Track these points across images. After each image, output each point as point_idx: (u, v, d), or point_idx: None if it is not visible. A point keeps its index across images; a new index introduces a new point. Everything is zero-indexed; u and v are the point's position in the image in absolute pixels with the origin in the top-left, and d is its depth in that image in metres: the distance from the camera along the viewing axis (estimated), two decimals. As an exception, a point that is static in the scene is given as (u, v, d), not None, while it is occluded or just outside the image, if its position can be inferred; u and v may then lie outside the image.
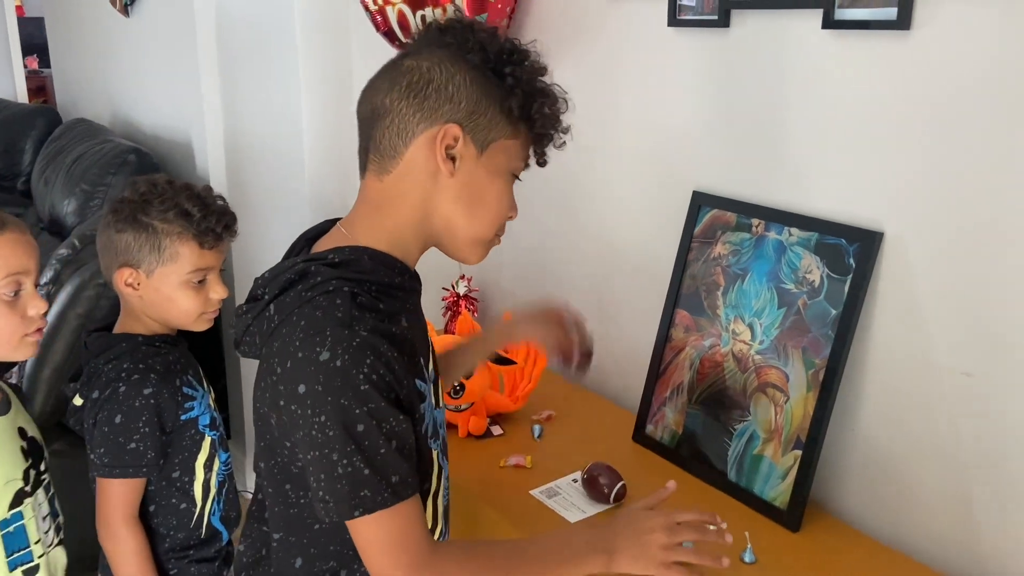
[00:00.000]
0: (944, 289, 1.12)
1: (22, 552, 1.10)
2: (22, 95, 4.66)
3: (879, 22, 1.12)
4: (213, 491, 1.26)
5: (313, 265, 0.86)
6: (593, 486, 1.26)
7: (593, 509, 1.25)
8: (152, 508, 1.20)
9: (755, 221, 1.32)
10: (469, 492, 1.28)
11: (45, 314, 1.09)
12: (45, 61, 4.89)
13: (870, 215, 1.18)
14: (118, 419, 1.13)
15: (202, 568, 1.24)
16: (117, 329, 1.21)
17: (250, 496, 1.03)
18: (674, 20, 1.41)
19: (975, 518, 1.12)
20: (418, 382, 0.90)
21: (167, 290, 1.15)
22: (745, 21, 1.31)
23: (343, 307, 0.82)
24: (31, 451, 1.13)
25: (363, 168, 0.92)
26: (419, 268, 0.96)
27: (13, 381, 1.23)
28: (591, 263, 1.69)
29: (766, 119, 1.32)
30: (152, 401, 1.15)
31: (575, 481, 1.32)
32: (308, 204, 2.50)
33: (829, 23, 1.18)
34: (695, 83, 1.41)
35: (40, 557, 1.12)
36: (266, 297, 0.87)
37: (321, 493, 0.82)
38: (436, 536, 1.00)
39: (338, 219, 0.95)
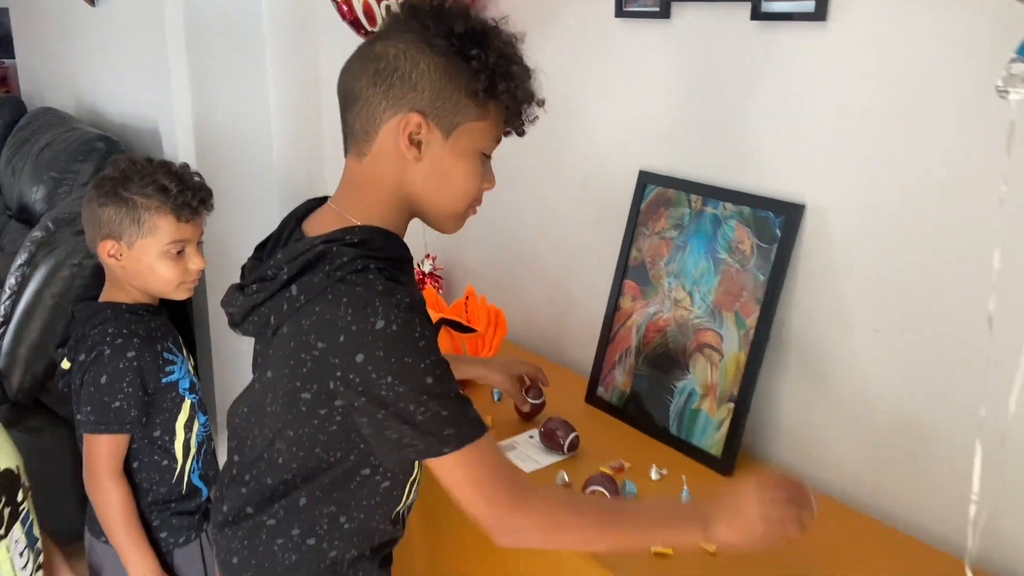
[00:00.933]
0: (857, 254, 1.24)
1: None
2: (-16, 85, 4.63)
3: (799, 14, 1.24)
4: (193, 451, 1.34)
5: (335, 246, 0.90)
6: (550, 437, 1.37)
7: (548, 460, 1.36)
8: (136, 465, 1.28)
9: (694, 197, 1.44)
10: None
11: None
12: (6, 51, 4.86)
13: (794, 189, 1.31)
14: (103, 379, 1.22)
15: (183, 520, 1.33)
16: (102, 298, 1.29)
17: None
18: (620, 11, 1.52)
19: (884, 459, 1.25)
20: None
21: (148, 260, 1.23)
22: (684, 13, 1.43)
23: (379, 281, 0.88)
24: (4, 486, 1.06)
25: (345, 148, 0.98)
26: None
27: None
28: (547, 240, 1.80)
29: (704, 104, 1.43)
30: (135, 364, 1.23)
31: (531, 437, 1.43)
32: (277, 191, 2.58)
33: (757, 15, 1.29)
34: (640, 70, 1.53)
35: None
36: (282, 277, 0.91)
37: (406, 440, 0.88)
38: (413, 491, 1.08)
39: (323, 197, 1.02)
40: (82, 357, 1.23)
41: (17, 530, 1.06)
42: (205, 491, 1.38)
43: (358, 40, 1.81)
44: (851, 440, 1.29)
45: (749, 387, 1.32)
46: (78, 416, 1.25)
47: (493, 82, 0.91)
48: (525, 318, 1.84)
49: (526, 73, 0.95)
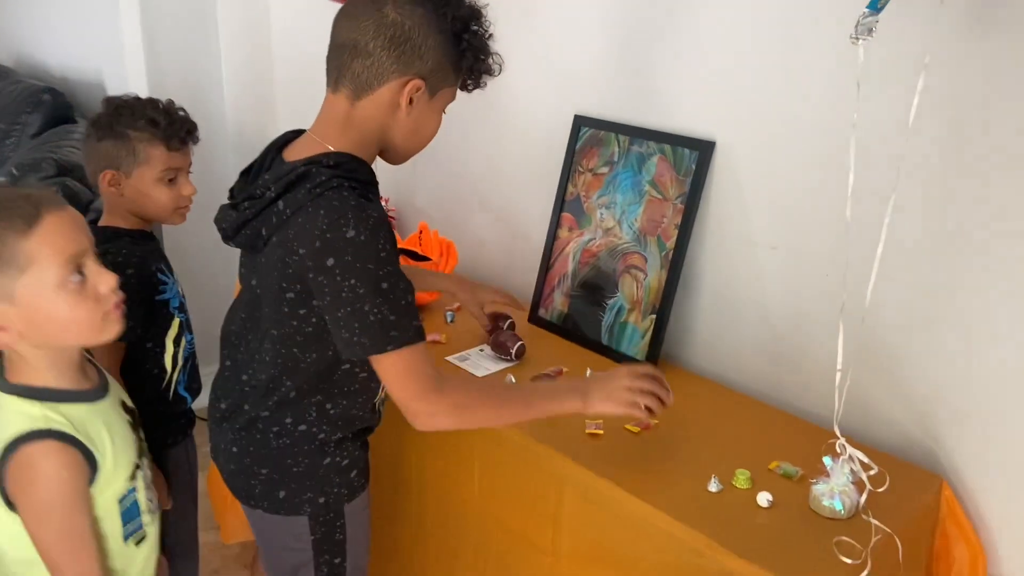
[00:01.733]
0: (758, 183, 1.48)
1: (134, 522, 1.11)
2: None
3: (710, -22, 1.45)
4: (180, 364, 1.50)
5: (314, 167, 1.06)
6: (500, 347, 1.58)
7: (497, 366, 1.57)
8: (130, 371, 1.43)
9: (622, 137, 1.65)
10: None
11: (117, 287, 1.03)
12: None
13: (706, 129, 1.53)
14: (104, 294, 1.36)
15: (172, 422, 1.49)
16: (102, 223, 1.42)
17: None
18: (558, -27, 1.70)
19: (779, 355, 1.50)
20: None
21: (144, 187, 1.38)
22: (614, -25, 1.62)
23: (352, 197, 1.05)
24: (136, 423, 1.14)
25: (334, 84, 1.12)
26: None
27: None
28: (493, 181, 1.99)
29: (632, 55, 1.64)
30: (133, 281, 1.37)
31: (482, 350, 1.63)
32: (231, 143, 2.68)
33: (675, -22, 1.50)
34: (576, 26, 1.72)
35: (148, 525, 1.13)
36: (270, 195, 1.08)
37: (356, 338, 1.04)
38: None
39: (300, 130, 1.18)
40: (84, 275, 1.37)
41: (145, 462, 1.14)
42: (190, 400, 1.54)
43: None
44: (753, 342, 1.54)
45: (669, 301, 1.55)
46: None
47: (475, 61, 1.12)
48: (474, 251, 2.04)
49: (494, 54, 1.14)
